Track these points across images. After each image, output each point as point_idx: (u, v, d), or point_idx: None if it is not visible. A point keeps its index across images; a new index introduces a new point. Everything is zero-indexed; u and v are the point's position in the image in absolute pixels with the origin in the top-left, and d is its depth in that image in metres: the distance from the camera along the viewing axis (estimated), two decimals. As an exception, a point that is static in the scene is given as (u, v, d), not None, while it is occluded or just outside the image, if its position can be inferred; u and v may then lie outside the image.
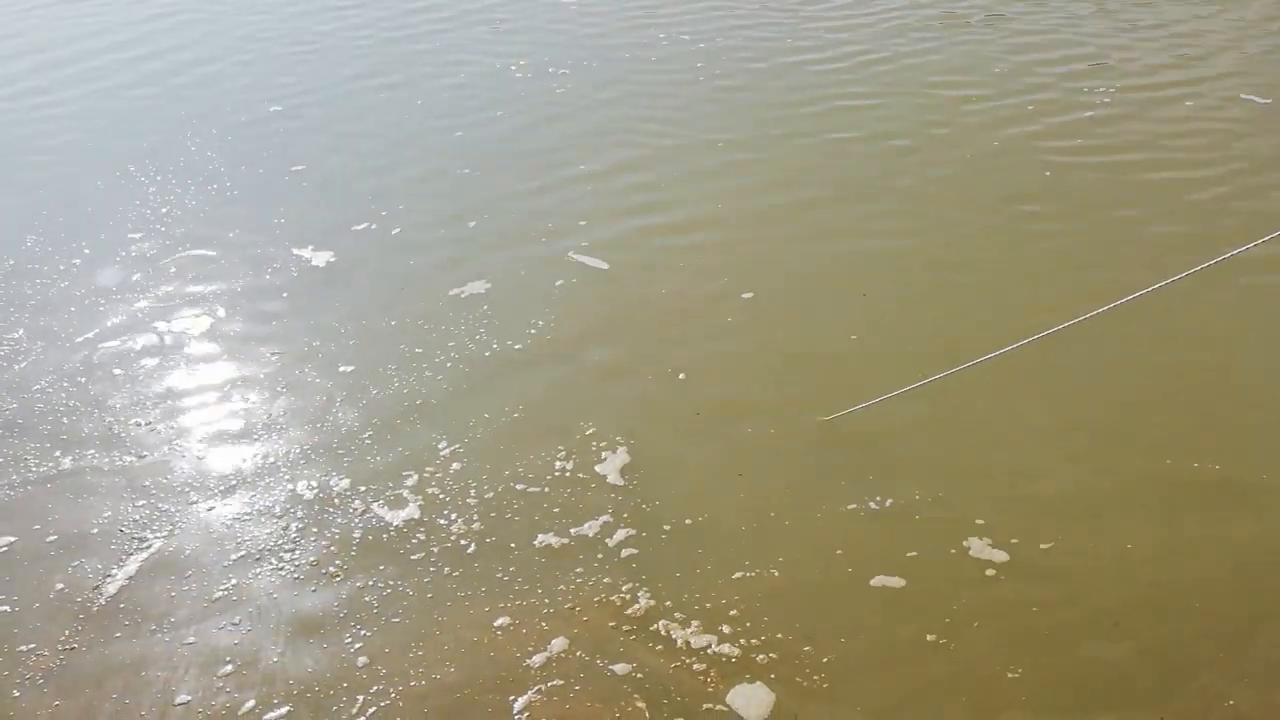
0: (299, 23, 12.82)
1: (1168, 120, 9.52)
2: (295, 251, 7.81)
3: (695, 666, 4.54)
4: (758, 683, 4.47)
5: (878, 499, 5.44)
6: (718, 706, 4.39)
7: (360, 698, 4.45)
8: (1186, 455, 5.67)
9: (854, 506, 5.41)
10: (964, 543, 5.17)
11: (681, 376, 6.38)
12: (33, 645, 4.72)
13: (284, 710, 4.42)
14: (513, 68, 11.17)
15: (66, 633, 4.77)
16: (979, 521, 5.28)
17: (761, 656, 4.58)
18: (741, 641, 4.65)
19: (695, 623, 4.74)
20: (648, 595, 4.88)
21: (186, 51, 12.02)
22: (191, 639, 4.73)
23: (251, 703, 4.45)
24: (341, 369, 6.49)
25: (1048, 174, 8.67)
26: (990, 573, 5.01)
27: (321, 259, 7.71)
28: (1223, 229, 7.66)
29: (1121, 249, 7.52)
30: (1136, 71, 10.60)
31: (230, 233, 8.14)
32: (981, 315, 6.86)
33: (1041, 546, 5.14)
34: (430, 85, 10.87)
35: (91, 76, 11.37)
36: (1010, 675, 4.53)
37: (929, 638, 4.71)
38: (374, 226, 8.15)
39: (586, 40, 11.92)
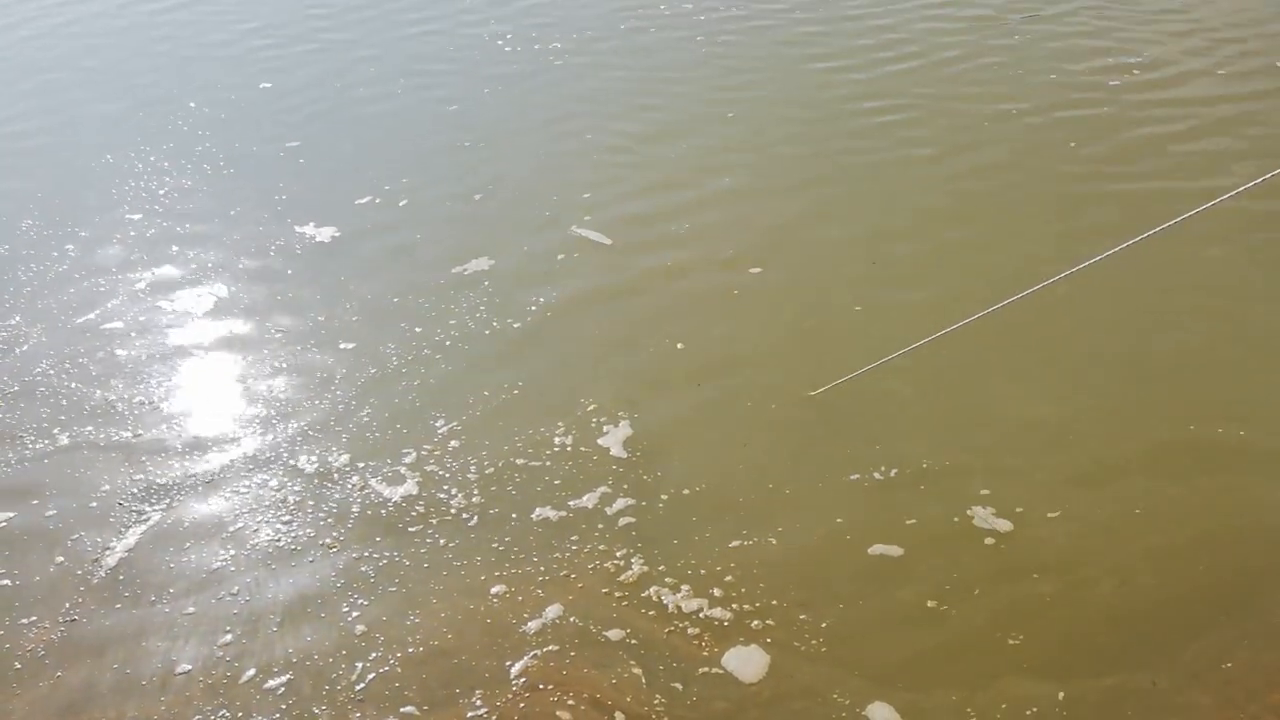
0: (285, 1, 13.16)
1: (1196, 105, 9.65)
2: (298, 229, 8.11)
3: (690, 631, 4.79)
4: (753, 645, 4.72)
5: (882, 469, 5.67)
6: (713, 670, 4.64)
7: (359, 665, 4.72)
8: (1210, 421, 5.91)
9: (857, 476, 5.64)
10: (968, 512, 5.40)
11: (685, 348, 6.63)
12: (34, 618, 5.01)
13: (284, 678, 4.69)
14: (500, 42, 11.46)
15: (67, 605, 5.05)
16: (984, 491, 5.51)
17: (756, 622, 4.83)
18: (735, 607, 4.90)
19: (691, 589, 5.00)
20: (644, 563, 5.13)
21: (171, 30, 12.37)
22: (191, 609, 5.01)
23: (252, 671, 4.72)
24: (343, 345, 6.77)
25: (1072, 145, 8.86)
26: (992, 541, 5.24)
27: (325, 234, 8.01)
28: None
29: (1137, 219, 7.66)
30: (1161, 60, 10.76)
31: (231, 210, 8.44)
32: (992, 286, 7.01)
33: (1049, 515, 5.37)
34: (420, 59, 11.21)
35: (78, 59, 11.71)
36: (1010, 641, 4.76)
37: (929, 604, 4.94)
38: (377, 200, 8.45)
39: (580, 13, 12.18)
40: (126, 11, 13.05)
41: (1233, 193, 4.52)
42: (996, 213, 7.92)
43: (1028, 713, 4.43)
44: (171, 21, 12.64)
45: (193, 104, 10.32)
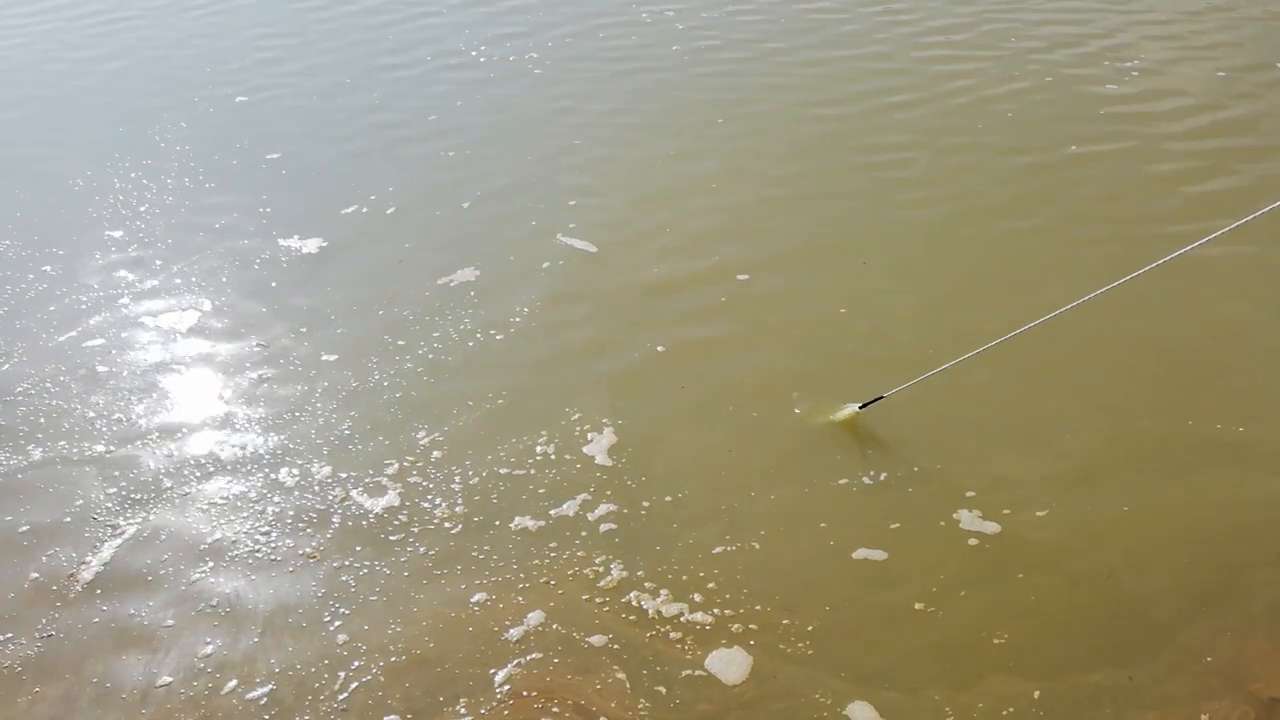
0: (254, 13, 13.41)
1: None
2: (283, 241, 8.28)
3: (672, 635, 4.92)
4: (735, 648, 4.85)
5: (871, 474, 5.80)
6: (696, 672, 4.77)
7: (342, 674, 4.85)
8: (1209, 418, 6.09)
9: (845, 482, 5.77)
10: (954, 515, 5.53)
11: (672, 355, 6.78)
12: (10, 634, 5.12)
13: (266, 689, 4.81)
14: (474, 53, 11.70)
15: (44, 621, 5.18)
16: (970, 494, 5.64)
17: (738, 625, 4.97)
18: (715, 611, 5.04)
19: (674, 594, 5.13)
20: (626, 569, 5.27)
21: (143, 46, 12.61)
22: (170, 621, 5.14)
23: (234, 682, 4.85)
24: (325, 358, 6.92)
25: (1072, 149, 9.03)
26: (980, 543, 5.37)
27: (312, 245, 8.19)
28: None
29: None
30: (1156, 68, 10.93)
31: (216, 224, 8.62)
32: (985, 295, 7.27)
33: (1037, 514, 5.52)
34: (394, 72, 11.42)
35: (48, 75, 11.91)
36: (996, 641, 4.89)
37: (916, 606, 5.08)
38: (364, 209, 8.65)
39: (552, 23, 12.44)
40: (91, 27, 13.28)
41: (1234, 225, 4.73)
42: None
43: (1004, 713, 4.55)
44: (139, 38, 12.87)
45: (168, 119, 10.49)
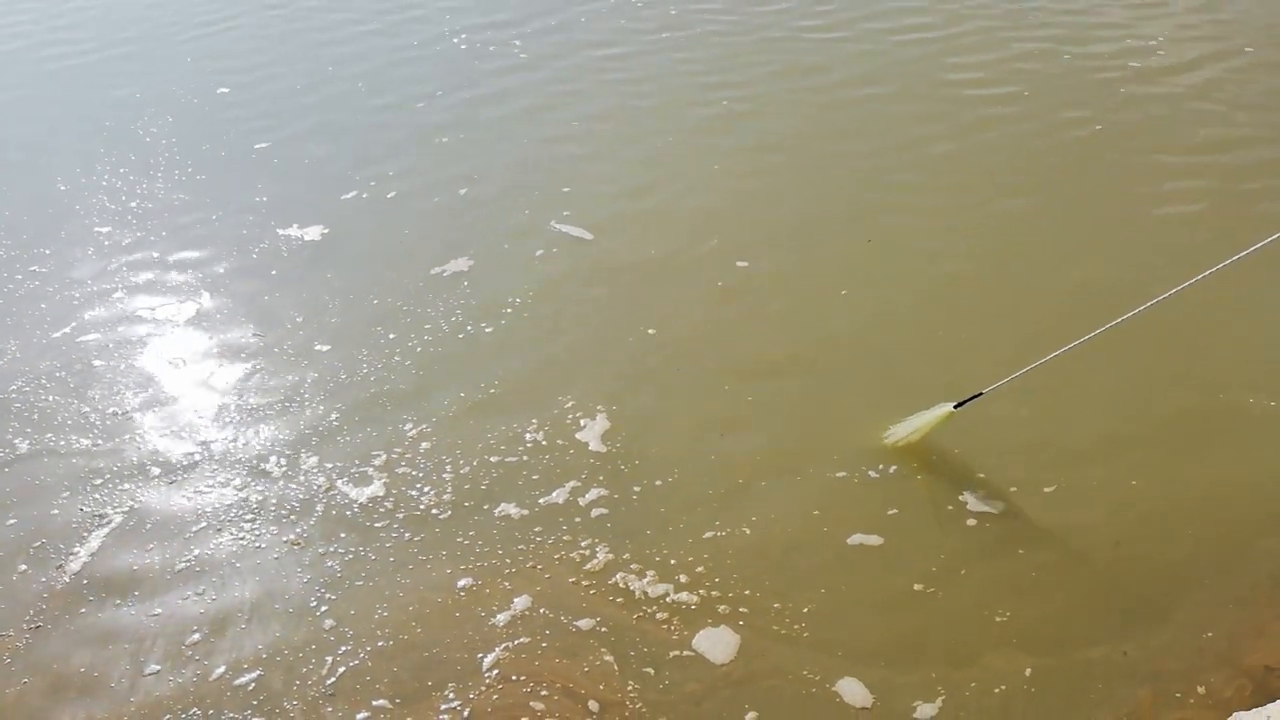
0: (234, 4, 13.72)
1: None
2: (281, 230, 8.54)
3: (659, 616, 5.11)
4: (722, 627, 5.04)
5: (879, 467, 5.95)
6: (684, 653, 4.96)
7: (329, 659, 5.06)
8: (1241, 391, 6.28)
9: (843, 475, 5.92)
10: (960, 498, 5.69)
11: (667, 342, 6.98)
12: (-2, 626, 5.36)
13: (254, 675, 5.02)
14: (455, 40, 12.02)
15: (31, 612, 5.40)
16: (980, 475, 5.81)
17: (725, 606, 5.15)
18: (703, 592, 5.23)
19: (662, 577, 5.32)
20: (614, 553, 5.46)
21: (122, 39, 12.91)
22: (158, 610, 5.36)
23: (222, 668, 5.06)
24: (319, 348, 7.13)
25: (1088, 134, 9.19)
26: (982, 524, 5.54)
27: (313, 233, 8.46)
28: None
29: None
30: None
31: (212, 215, 8.87)
32: (998, 284, 7.45)
33: (1045, 490, 5.70)
34: (376, 59, 11.71)
35: (27, 73, 12.21)
36: (998, 619, 5.05)
37: (915, 587, 5.25)
38: (364, 195, 8.94)
39: (535, 9, 12.73)
40: (64, 15, 13.62)
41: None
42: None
43: (996, 690, 4.72)
44: (124, 28, 13.19)
45: (152, 112, 10.75)
